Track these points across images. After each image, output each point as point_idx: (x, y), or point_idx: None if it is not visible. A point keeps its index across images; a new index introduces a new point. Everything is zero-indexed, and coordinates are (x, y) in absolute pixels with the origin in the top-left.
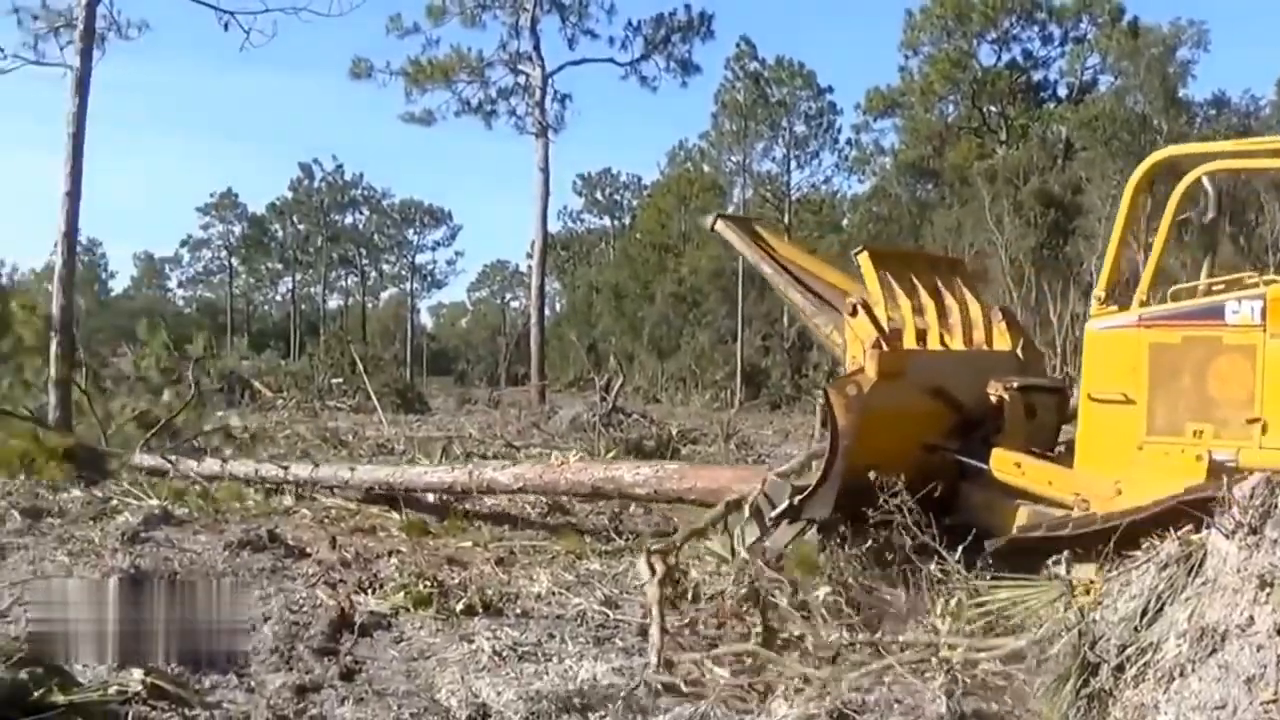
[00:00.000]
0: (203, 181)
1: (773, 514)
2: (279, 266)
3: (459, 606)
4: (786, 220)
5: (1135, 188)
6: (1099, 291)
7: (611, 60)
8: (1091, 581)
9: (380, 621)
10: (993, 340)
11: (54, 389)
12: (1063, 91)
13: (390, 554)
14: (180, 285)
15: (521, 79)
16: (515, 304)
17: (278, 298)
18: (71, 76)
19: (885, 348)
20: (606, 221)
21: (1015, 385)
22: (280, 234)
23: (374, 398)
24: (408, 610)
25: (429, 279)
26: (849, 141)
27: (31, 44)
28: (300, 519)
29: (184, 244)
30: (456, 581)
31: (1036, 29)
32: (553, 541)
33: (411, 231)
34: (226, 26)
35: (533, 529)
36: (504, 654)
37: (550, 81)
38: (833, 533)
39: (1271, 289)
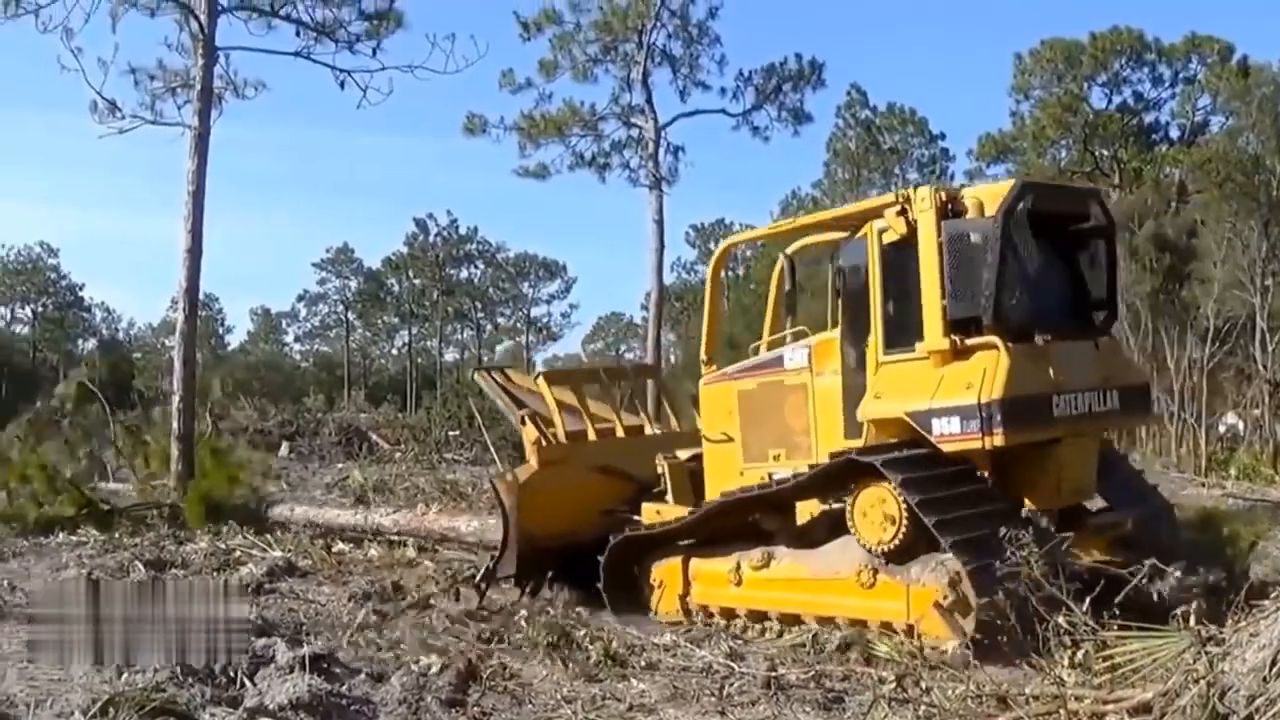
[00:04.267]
0: (319, 237)
1: (478, 579)
2: (395, 320)
3: (585, 658)
4: None
5: (712, 271)
6: (703, 355)
7: (723, 111)
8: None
9: (507, 673)
10: (654, 424)
11: (176, 442)
12: (1175, 133)
13: (513, 606)
14: (297, 339)
15: (634, 132)
16: (630, 355)
17: (394, 351)
18: (190, 136)
19: (544, 444)
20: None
21: (673, 457)
22: (396, 288)
23: (492, 449)
24: (535, 661)
25: (544, 332)
26: (962, 188)
27: (149, 104)
28: (423, 570)
29: (300, 299)
30: (583, 634)
31: (1146, 70)
32: None
33: (526, 285)
34: (343, 85)
35: None
36: (634, 707)
37: (663, 134)
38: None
39: (816, 339)
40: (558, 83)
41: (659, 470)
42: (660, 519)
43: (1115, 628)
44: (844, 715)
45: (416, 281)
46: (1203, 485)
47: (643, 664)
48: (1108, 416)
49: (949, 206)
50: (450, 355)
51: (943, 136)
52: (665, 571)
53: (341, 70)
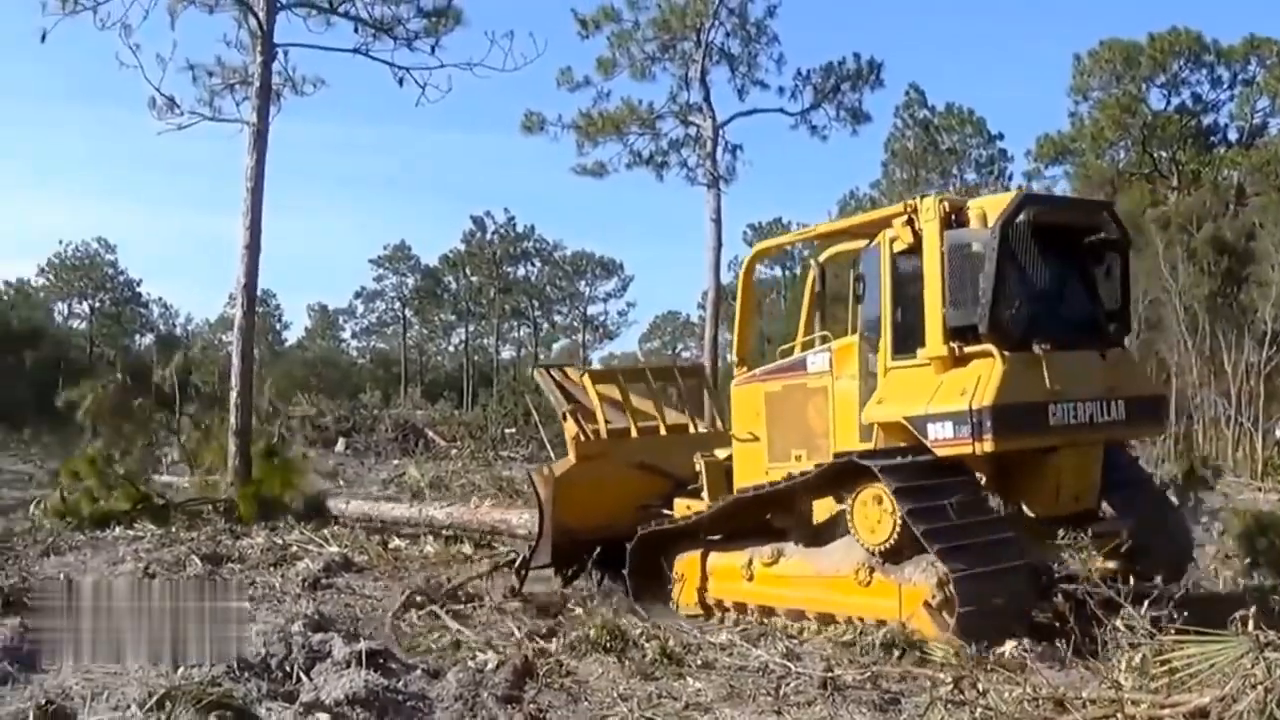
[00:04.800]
0: (376, 234)
1: (515, 565)
2: (452, 318)
3: (641, 656)
4: None
5: (744, 276)
6: (734, 357)
7: (782, 110)
8: None
9: (563, 670)
10: (696, 425)
11: (234, 438)
12: (1233, 135)
13: (570, 601)
14: (354, 336)
15: (692, 130)
16: (687, 354)
17: (450, 348)
18: (249, 132)
19: (583, 439)
20: (777, 271)
21: (711, 455)
22: (453, 286)
23: (548, 446)
24: (591, 659)
25: (601, 330)
26: (1020, 189)
27: (207, 100)
28: (479, 566)
29: (358, 295)
30: (640, 631)
31: (1205, 72)
32: None
33: (583, 283)
34: (401, 82)
35: None
36: (690, 706)
37: (721, 132)
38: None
39: (837, 343)
40: (616, 81)
41: (696, 468)
42: (688, 512)
43: (1173, 632)
44: (900, 717)
45: (474, 279)
46: (1259, 489)
47: (699, 663)
48: (1111, 427)
49: (953, 217)
50: (507, 353)
51: (1001, 137)
52: (686, 565)
53: (400, 67)
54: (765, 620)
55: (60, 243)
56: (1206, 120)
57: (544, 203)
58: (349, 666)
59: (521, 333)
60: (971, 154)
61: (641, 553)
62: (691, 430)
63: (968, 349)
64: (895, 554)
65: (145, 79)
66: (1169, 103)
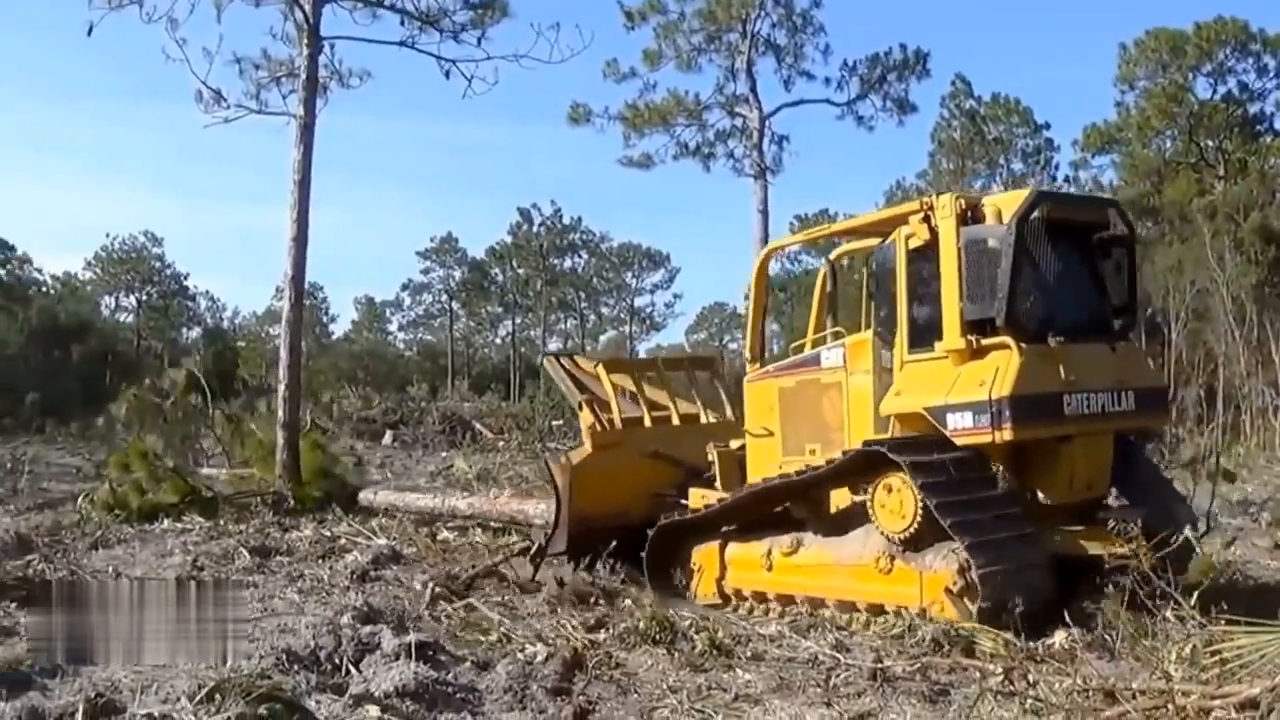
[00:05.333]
0: (422, 226)
1: (531, 552)
2: (499, 310)
3: (690, 648)
4: None
5: (757, 275)
6: (747, 354)
7: (828, 101)
8: None
9: (612, 661)
10: (707, 416)
11: (282, 431)
12: None
13: (618, 594)
14: (401, 329)
15: (739, 121)
16: (733, 345)
17: (497, 340)
18: (295, 125)
19: (599, 428)
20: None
21: (725, 445)
22: (500, 278)
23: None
24: (640, 650)
25: (648, 322)
26: (1067, 179)
27: (254, 94)
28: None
29: (404, 288)
30: (689, 623)
31: (1251, 61)
32: None
33: (630, 275)
34: (448, 75)
35: None
36: (739, 697)
37: (768, 123)
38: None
39: (850, 339)
40: (662, 72)
41: (709, 457)
42: (703, 504)
43: (1223, 623)
44: (950, 708)
45: (520, 271)
46: None
47: (748, 654)
48: (1122, 417)
49: (968, 214)
50: (554, 345)
51: (1047, 126)
52: (704, 556)
53: (446, 60)
54: (810, 611)
55: (107, 236)
56: (1253, 109)
57: (590, 195)
58: (398, 659)
59: (568, 325)
60: (1018, 144)
61: (659, 544)
62: (703, 420)
63: (985, 341)
64: (916, 541)
65: (191, 72)
66: (1215, 92)
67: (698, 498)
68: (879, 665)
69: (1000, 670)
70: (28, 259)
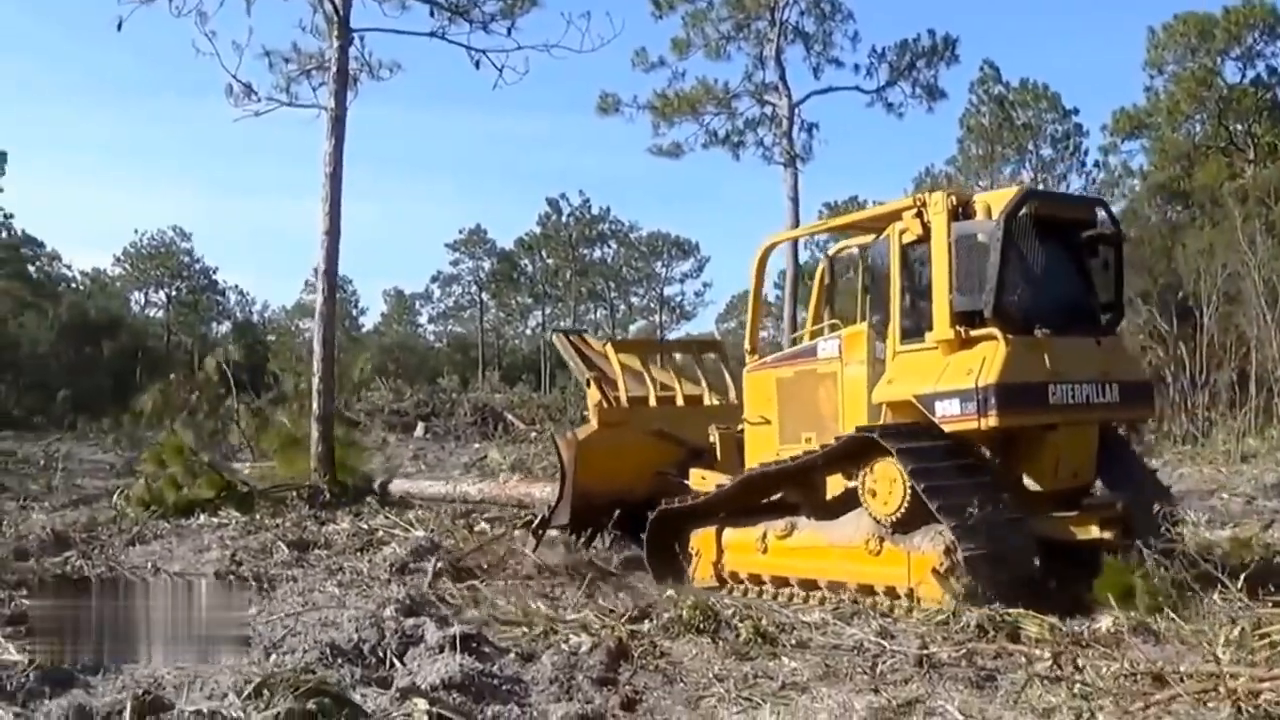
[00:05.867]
0: (451, 218)
1: (535, 524)
2: (529, 301)
3: (735, 636)
4: None
5: (756, 269)
6: (747, 346)
7: (858, 88)
8: None
9: (657, 651)
10: (711, 398)
11: (316, 423)
12: None
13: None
14: (431, 320)
15: (768, 109)
16: (764, 335)
17: (527, 331)
18: (326, 117)
19: (606, 406)
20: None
21: (726, 427)
22: (529, 268)
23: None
24: (684, 639)
25: (678, 311)
26: (1096, 164)
27: (283, 87)
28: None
29: (434, 280)
30: (731, 611)
31: None
32: None
33: (659, 264)
34: (478, 65)
35: None
36: (786, 685)
37: (797, 111)
38: (580, 537)
39: (846, 331)
40: (690, 60)
41: (711, 439)
42: (705, 485)
43: (1269, 605)
44: (996, 694)
45: (550, 261)
46: None
47: (793, 642)
48: (1107, 408)
49: (960, 210)
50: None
51: (1076, 112)
52: (701, 540)
53: (477, 50)
54: (857, 598)
55: (136, 232)
56: None
57: (619, 184)
58: (442, 651)
59: (598, 314)
60: (1047, 129)
61: (658, 529)
62: (707, 402)
63: (974, 332)
64: (905, 524)
65: (221, 66)
66: (1244, 75)
67: (698, 478)
68: (924, 652)
69: (1048, 655)
70: (57, 255)
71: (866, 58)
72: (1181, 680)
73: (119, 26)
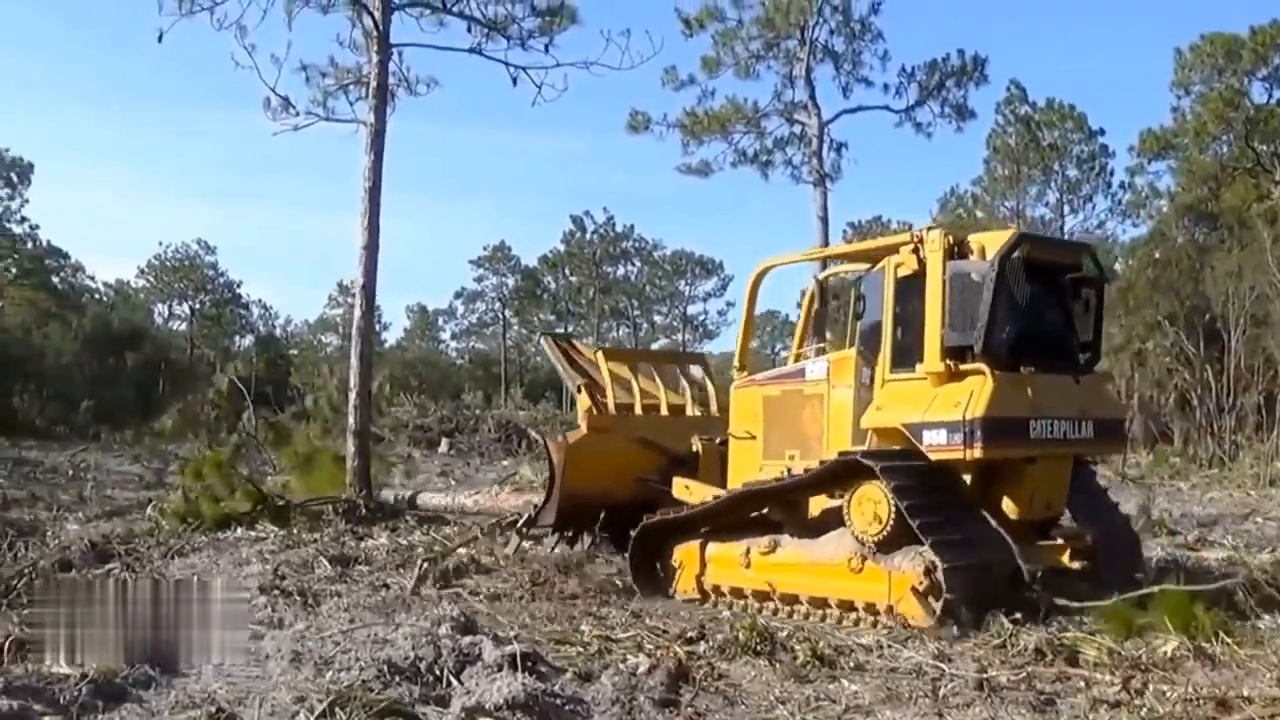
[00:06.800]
0: (475, 235)
1: (520, 524)
2: (551, 318)
3: (792, 658)
4: None
5: (749, 291)
6: (736, 363)
7: (887, 108)
8: None
9: (715, 673)
10: (693, 409)
11: (352, 438)
12: None
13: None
14: (454, 337)
15: (797, 128)
16: (784, 353)
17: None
18: (365, 132)
19: (595, 413)
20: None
21: (710, 438)
22: (553, 286)
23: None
24: (741, 661)
25: (700, 330)
26: (1122, 185)
27: (320, 101)
28: (596, 568)
29: (458, 296)
30: (786, 633)
31: None
32: None
33: (683, 282)
34: (515, 81)
35: None
36: (849, 709)
37: (827, 130)
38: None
39: (834, 355)
40: (720, 79)
41: (694, 448)
42: (688, 494)
43: None
44: (1058, 718)
45: (573, 279)
46: None
47: (851, 665)
48: (1082, 443)
49: (955, 249)
50: None
51: (1102, 133)
52: (685, 554)
53: (515, 66)
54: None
55: (160, 244)
56: None
57: (646, 203)
58: (500, 670)
59: (621, 332)
60: (1073, 150)
61: (642, 542)
62: (689, 413)
63: (963, 367)
64: (887, 544)
65: (260, 79)
66: (1271, 96)
67: (680, 486)
68: (984, 675)
69: (1111, 679)
70: (81, 266)
71: (896, 77)
72: (1246, 704)
73: (160, 38)
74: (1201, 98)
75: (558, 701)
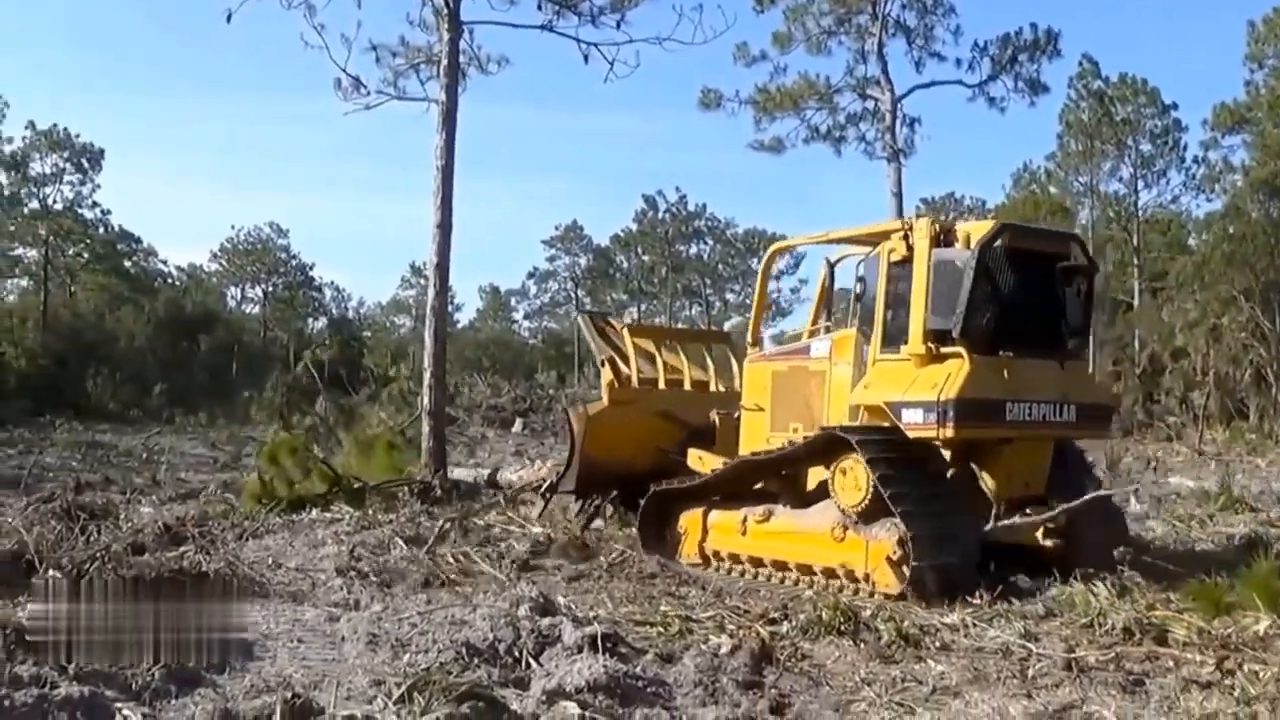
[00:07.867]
0: (547, 214)
1: (542, 490)
2: (624, 297)
3: (876, 639)
4: (1135, 242)
5: (762, 270)
6: (749, 338)
7: (960, 82)
8: None
9: (798, 653)
10: (717, 385)
11: (427, 419)
12: None
13: (796, 581)
14: (526, 317)
15: (870, 104)
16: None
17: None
18: (437, 111)
19: (617, 386)
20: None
21: (727, 412)
22: (625, 265)
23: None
24: (825, 641)
25: (773, 307)
26: (1196, 159)
27: (391, 81)
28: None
29: (530, 276)
30: (869, 613)
31: None
32: None
33: (755, 261)
34: (587, 58)
35: None
36: (936, 690)
37: (899, 105)
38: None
39: (837, 334)
40: (792, 55)
41: (712, 420)
42: (700, 465)
43: None
44: (1150, 699)
45: (645, 258)
46: None
47: (936, 645)
48: (1063, 427)
49: (941, 237)
50: None
51: (1175, 107)
52: (690, 521)
53: (587, 43)
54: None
55: (232, 228)
56: None
57: (718, 180)
58: (580, 651)
59: (694, 311)
60: (1146, 124)
61: (652, 509)
62: (712, 388)
63: (943, 349)
64: (866, 515)
65: (330, 59)
66: None
67: (695, 457)
68: (1072, 655)
69: (1204, 659)
70: (154, 251)
71: (969, 52)
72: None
73: (229, 18)
74: (1275, 71)
75: (639, 683)
